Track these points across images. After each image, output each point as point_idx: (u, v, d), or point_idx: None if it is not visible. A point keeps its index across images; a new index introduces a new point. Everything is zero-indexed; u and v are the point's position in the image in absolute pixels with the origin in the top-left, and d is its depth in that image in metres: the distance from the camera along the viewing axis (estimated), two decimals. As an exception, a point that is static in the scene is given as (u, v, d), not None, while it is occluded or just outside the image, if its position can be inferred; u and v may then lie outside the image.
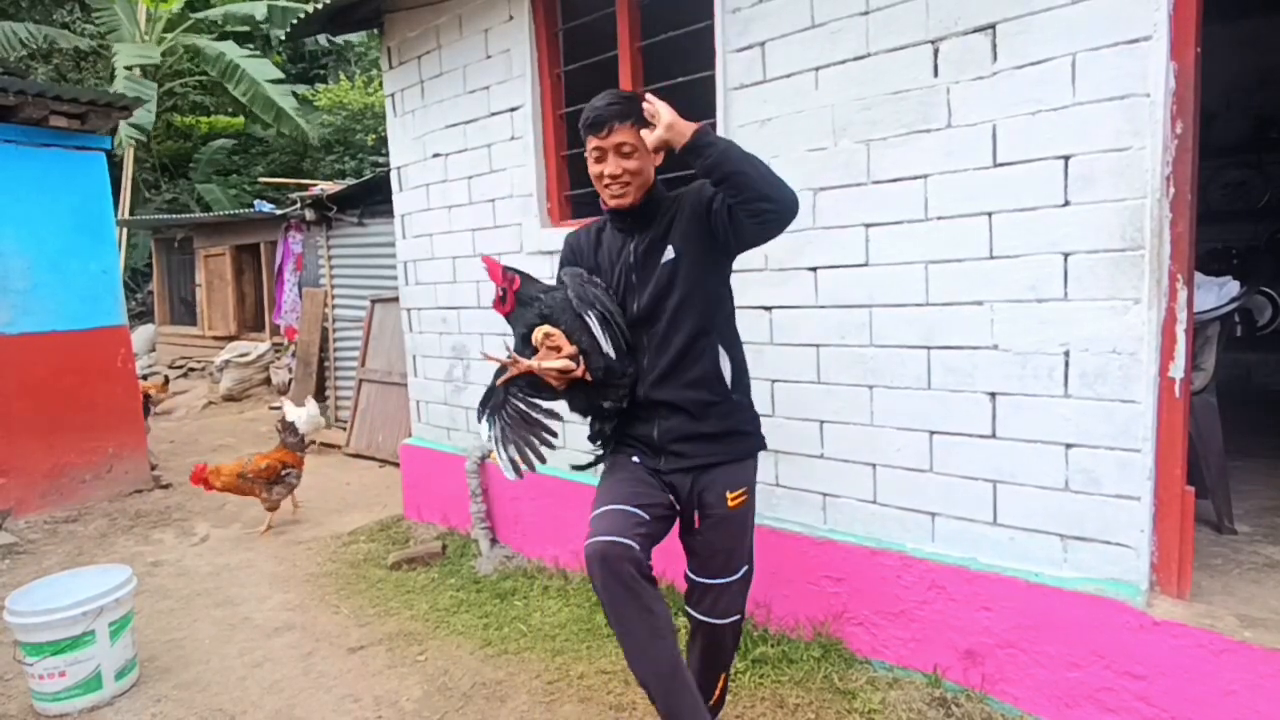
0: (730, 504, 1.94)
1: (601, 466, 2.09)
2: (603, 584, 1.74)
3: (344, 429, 6.68)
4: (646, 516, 1.84)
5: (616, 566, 1.73)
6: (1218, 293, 2.65)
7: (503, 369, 1.94)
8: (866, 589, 2.60)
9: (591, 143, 1.90)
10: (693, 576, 2.01)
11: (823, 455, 2.70)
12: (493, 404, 2.01)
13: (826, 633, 2.69)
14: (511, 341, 2.01)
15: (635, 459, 2.00)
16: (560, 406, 2.01)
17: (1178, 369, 2.05)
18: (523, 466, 1.96)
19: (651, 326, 1.93)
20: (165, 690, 2.81)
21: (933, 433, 2.44)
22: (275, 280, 8.56)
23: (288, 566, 3.99)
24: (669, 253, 1.92)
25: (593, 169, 1.94)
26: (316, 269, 7.70)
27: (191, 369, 10.64)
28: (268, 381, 9.13)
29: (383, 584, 3.66)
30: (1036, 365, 2.22)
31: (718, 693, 2.11)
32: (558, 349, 1.84)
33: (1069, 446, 2.19)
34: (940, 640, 2.44)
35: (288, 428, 4.80)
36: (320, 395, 7.47)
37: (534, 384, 1.95)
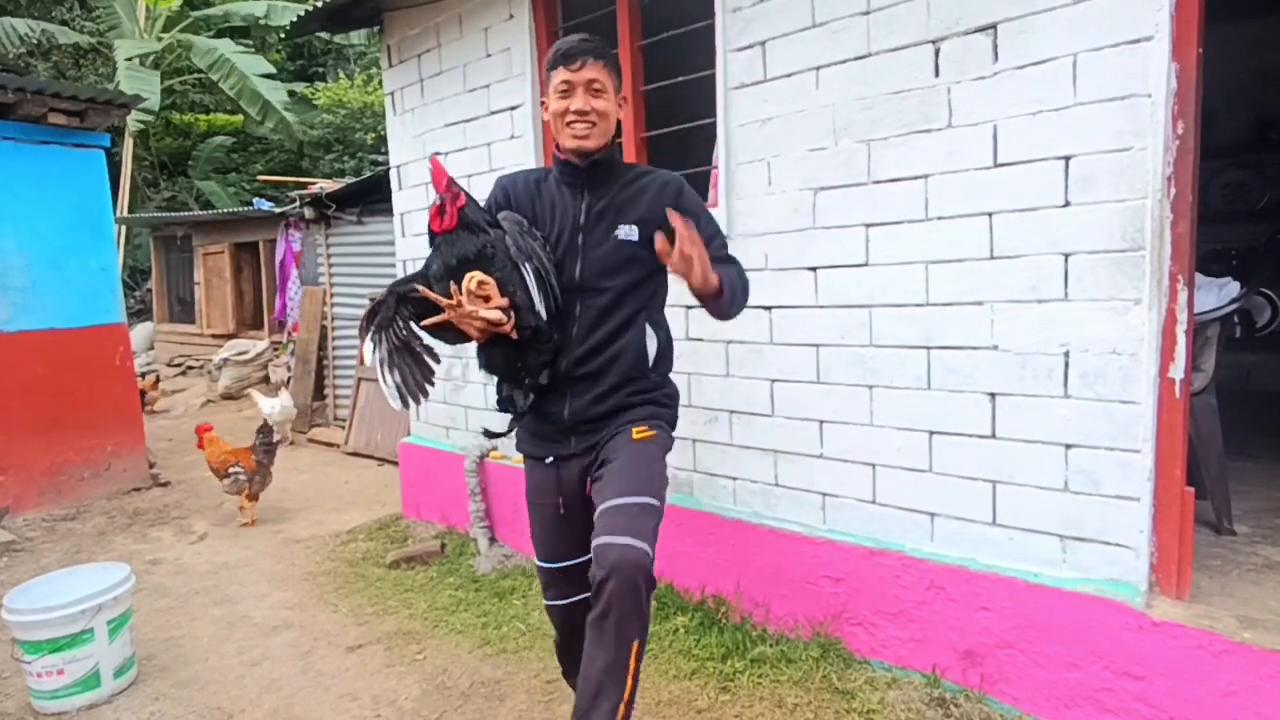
0: (635, 436, 1.82)
1: (513, 436, 2.03)
2: (561, 639, 2.10)
3: (343, 427, 6.68)
4: (580, 560, 1.88)
5: (574, 622, 1.88)
6: (1218, 294, 2.65)
7: (403, 281, 1.81)
8: (865, 589, 2.60)
9: (559, 76, 1.79)
10: (599, 504, 1.73)
11: (822, 455, 2.70)
12: (379, 319, 1.80)
13: (825, 632, 2.69)
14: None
15: (547, 461, 1.93)
16: (440, 347, 1.86)
17: (1178, 370, 2.05)
18: (408, 398, 1.78)
19: (588, 298, 1.84)
20: (163, 689, 2.81)
21: (932, 433, 2.44)
22: (279, 277, 8.54)
23: (286, 565, 3.99)
24: (629, 231, 1.83)
25: (556, 105, 1.82)
26: (316, 267, 7.69)
27: (190, 367, 10.62)
28: (266, 380, 9.12)
29: (381, 583, 3.66)
30: (1036, 366, 2.22)
31: (629, 682, 1.63)
32: (486, 299, 1.68)
33: (1069, 447, 2.18)
34: (939, 640, 2.44)
35: (261, 429, 4.78)
36: (319, 393, 7.47)
37: (423, 313, 1.77)
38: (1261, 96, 5.18)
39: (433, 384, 1.82)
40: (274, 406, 6.53)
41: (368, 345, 1.78)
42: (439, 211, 1.72)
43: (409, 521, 4.46)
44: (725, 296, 1.77)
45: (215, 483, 4.83)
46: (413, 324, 1.81)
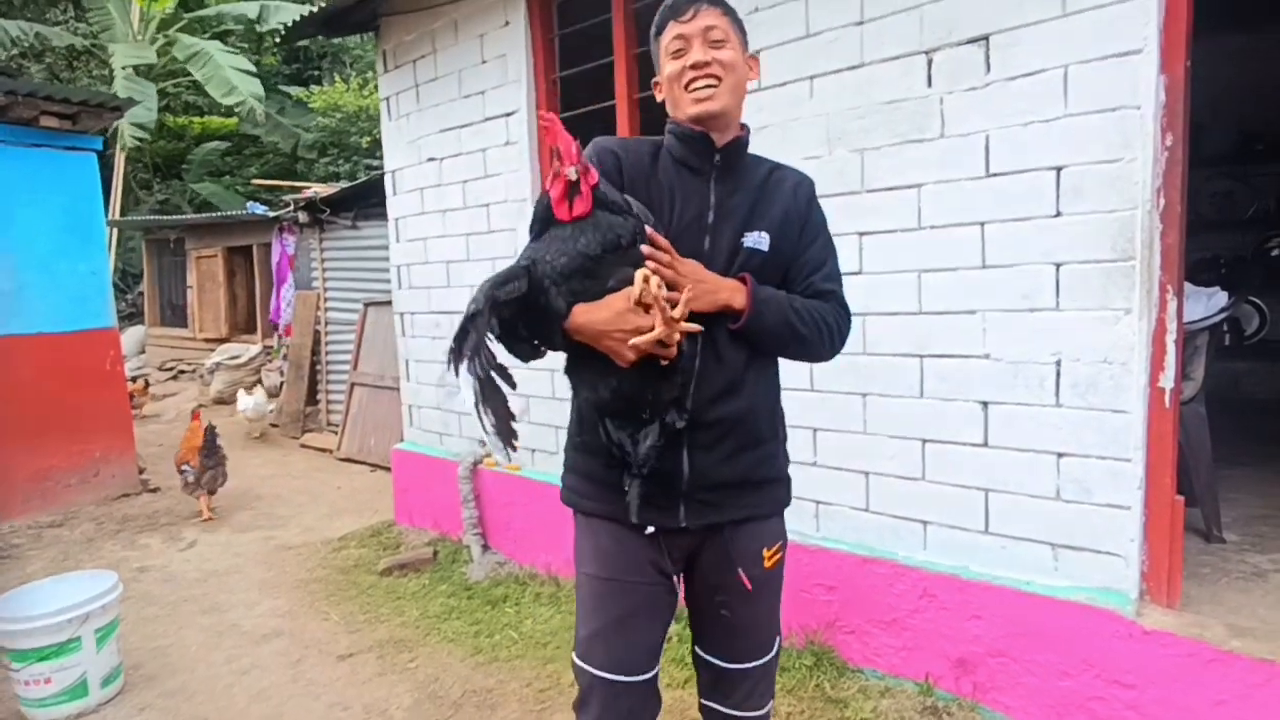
0: (767, 564, 1.52)
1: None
2: None
3: (336, 433, 6.65)
4: (653, 673, 1.49)
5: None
6: (1206, 303, 2.67)
7: (501, 283, 1.27)
8: (858, 597, 2.60)
9: (670, 33, 1.45)
10: (716, 661, 1.54)
11: (816, 463, 2.71)
12: (473, 342, 1.24)
13: (819, 641, 2.69)
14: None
15: (647, 531, 1.45)
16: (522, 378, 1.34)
17: (1168, 379, 2.07)
18: (508, 440, 1.26)
19: (711, 319, 1.39)
20: (150, 698, 2.78)
21: (925, 441, 2.45)
22: (275, 280, 8.52)
23: (277, 572, 3.97)
24: (759, 239, 1.45)
25: (670, 68, 1.45)
26: (309, 271, 7.67)
27: (182, 371, 10.57)
28: (259, 384, 9.08)
29: (373, 590, 3.64)
30: (1028, 375, 2.23)
31: None
32: (646, 307, 1.26)
33: (1060, 456, 2.20)
34: (932, 649, 2.45)
35: (207, 430, 4.84)
36: (312, 398, 7.44)
37: (511, 335, 1.34)
38: (1247, 109, 5.23)
39: (515, 418, 1.29)
40: (247, 404, 7.12)
41: (464, 379, 1.23)
42: (568, 190, 1.27)
43: (402, 528, 4.44)
44: (755, 324, 1.41)
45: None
46: (494, 349, 1.30)
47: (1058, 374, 2.18)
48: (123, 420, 5.60)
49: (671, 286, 1.30)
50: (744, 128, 1.51)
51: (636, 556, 1.47)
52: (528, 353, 1.38)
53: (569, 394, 1.51)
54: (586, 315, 1.29)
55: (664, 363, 1.31)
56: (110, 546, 4.47)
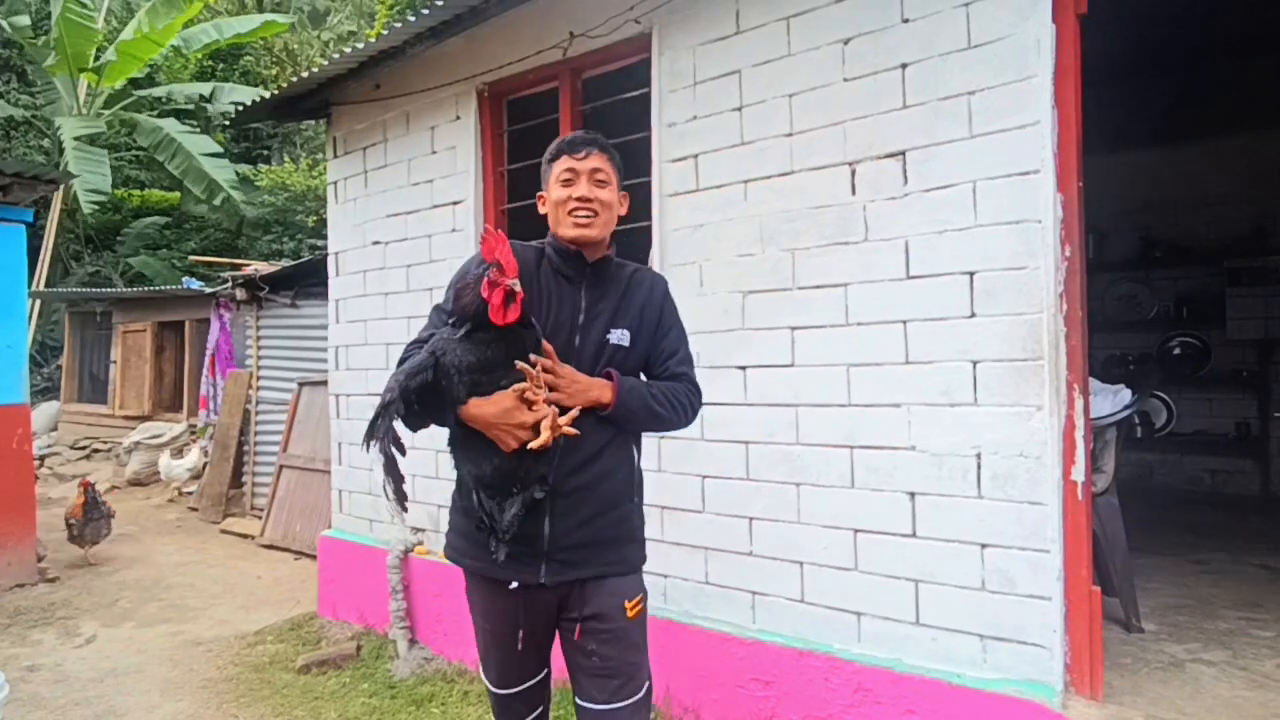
0: (629, 614, 1.73)
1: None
2: None
3: (260, 517, 6.33)
4: (538, 679, 1.84)
5: None
6: (1113, 399, 2.84)
7: (415, 373, 1.56)
8: (795, 692, 2.56)
9: (562, 164, 1.77)
10: (589, 706, 1.72)
11: (752, 552, 2.71)
12: (382, 429, 1.57)
13: (756, 739, 2.62)
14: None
15: (511, 586, 1.69)
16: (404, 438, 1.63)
17: (1079, 472, 2.18)
18: (404, 501, 1.67)
19: (605, 410, 1.70)
20: (26, 818, 2.50)
21: (857, 531, 2.49)
22: (220, 356, 8.23)
23: (183, 671, 3.68)
24: (621, 336, 1.76)
25: (557, 194, 1.77)
26: (244, 349, 7.47)
27: (96, 450, 9.97)
28: (189, 447, 8.63)
29: (289, 690, 3.40)
30: (952, 466, 2.32)
31: None
32: (529, 404, 1.57)
33: (984, 546, 2.26)
34: (868, 746, 2.41)
35: (86, 486, 5.53)
36: (236, 481, 7.10)
37: (409, 412, 1.58)
38: (1145, 219, 5.74)
39: (405, 481, 1.66)
40: (177, 466, 7.73)
41: (374, 456, 1.57)
42: (504, 300, 1.54)
43: (324, 621, 4.20)
44: (620, 412, 1.69)
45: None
46: (393, 434, 1.60)
47: (978, 466, 2.27)
48: (25, 503, 5.23)
49: (552, 388, 1.61)
50: (611, 247, 1.85)
51: (503, 608, 1.74)
52: (418, 425, 1.63)
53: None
54: (479, 409, 1.57)
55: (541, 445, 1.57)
56: (-4, 643, 4.09)
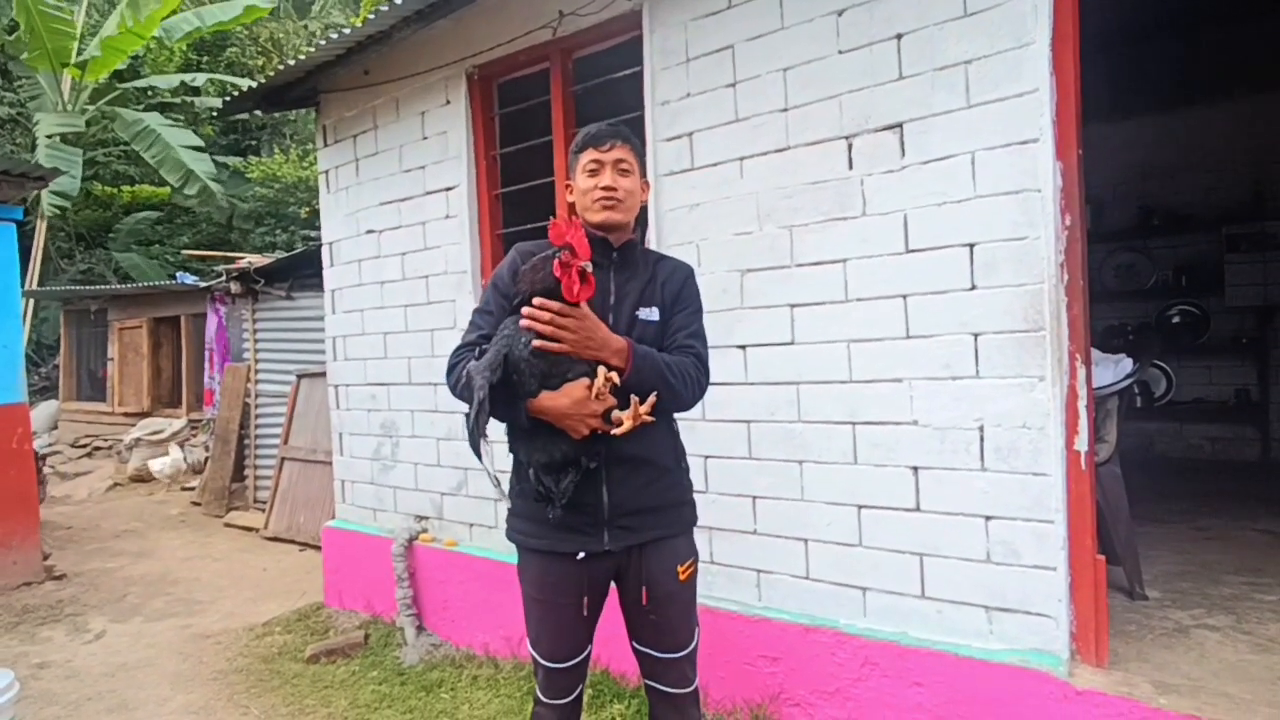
0: (681, 578, 1.88)
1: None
2: None
3: (263, 510, 6.34)
4: (584, 658, 1.92)
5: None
6: (1114, 369, 2.84)
7: (493, 368, 1.64)
8: (802, 668, 2.58)
9: (588, 156, 1.89)
10: (648, 651, 1.92)
11: (756, 531, 2.71)
12: (484, 421, 1.67)
13: (764, 715, 2.64)
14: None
15: (577, 557, 1.79)
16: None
17: (1082, 442, 2.17)
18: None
19: (621, 376, 1.74)
20: (42, 813, 2.52)
21: (860, 507, 2.49)
22: (219, 351, 8.22)
23: (193, 664, 3.70)
24: (651, 313, 1.88)
25: (584, 184, 1.89)
26: (240, 343, 7.45)
27: (97, 448, 9.97)
28: (174, 445, 8.64)
29: (299, 679, 3.42)
30: (954, 440, 2.31)
31: None
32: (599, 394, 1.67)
33: (988, 519, 2.26)
34: (876, 718, 2.43)
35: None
36: (239, 474, 7.11)
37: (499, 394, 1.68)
38: (1144, 187, 5.71)
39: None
40: (163, 463, 7.88)
41: (484, 448, 1.71)
42: (578, 277, 1.64)
43: (331, 611, 4.22)
44: (631, 376, 1.72)
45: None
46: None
47: (981, 439, 2.27)
48: (28, 503, 5.23)
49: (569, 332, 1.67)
50: (636, 232, 1.97)
51: (568, 580, 1.83)
52: (504, 417, 1.74)
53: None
54: (551, 400, 1.68)
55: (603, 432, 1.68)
56: (6, 641, 4.10)
